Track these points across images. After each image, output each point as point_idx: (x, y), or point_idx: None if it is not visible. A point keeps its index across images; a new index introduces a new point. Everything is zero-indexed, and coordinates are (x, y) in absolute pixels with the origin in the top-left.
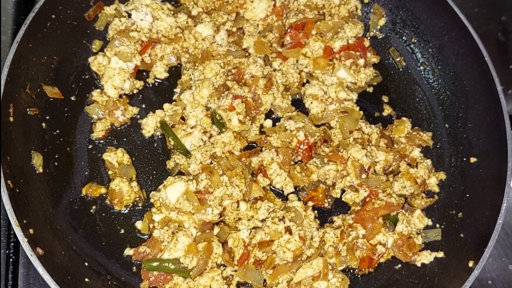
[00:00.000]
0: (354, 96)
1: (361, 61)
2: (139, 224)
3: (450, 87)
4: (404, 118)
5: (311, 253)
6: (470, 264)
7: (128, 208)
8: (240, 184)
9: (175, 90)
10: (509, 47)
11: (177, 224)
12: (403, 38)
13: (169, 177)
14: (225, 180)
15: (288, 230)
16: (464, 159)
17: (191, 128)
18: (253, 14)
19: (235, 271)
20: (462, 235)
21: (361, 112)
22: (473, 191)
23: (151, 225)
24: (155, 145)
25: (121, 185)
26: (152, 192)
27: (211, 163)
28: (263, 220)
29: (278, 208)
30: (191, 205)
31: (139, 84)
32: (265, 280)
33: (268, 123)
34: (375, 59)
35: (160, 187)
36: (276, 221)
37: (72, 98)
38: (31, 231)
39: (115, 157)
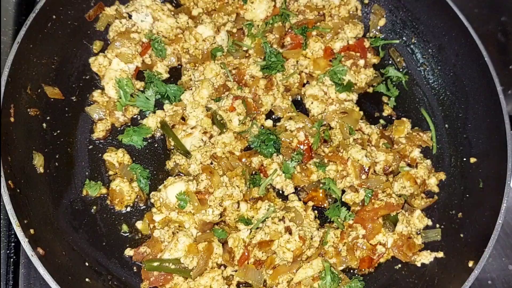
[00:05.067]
0: (354, 97)
1: (361, 62)
2: (139, 224)
3: (450, 87)
4: (404, 119)
5: (311, 253)
6: (470, 264)
7: (129, 208)
8: (241, 184)
9: None
10: (509, 48)
11: (178, 224)
12: (403, 38)
13: (169, 177)
14: (225, 181)
15: (288, 230)
16: (464, 159)
17: (192, 128)
18: (254, 15)
19: (235, 271)
20: (462, 235)
21: (361, 113)
22: (473, 191)
23: (151, 225)
24: (156, 145)
25: (122, 185)
26: (153, 192)
27: (211, 163)
28: (263, 221)
29: (278, 208)
30: (191, 205)
31: (139, 84)
32: (265, 280)
33: (269, 123)
34: (375, 60)
35: (160, 187)
36: (276, 221)
37: (73, 99)
38: (31, 231)
39: (116, 157)
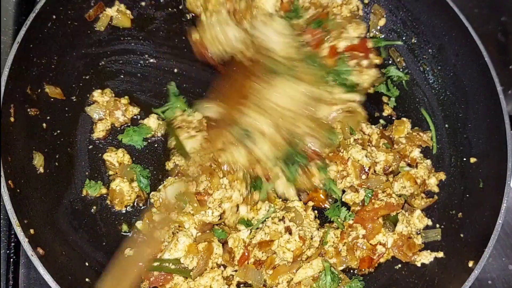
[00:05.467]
0: (358, 98)
1: (365, 62)
2: (139, 224)
3: (450, 87)
4: (404, 119)
5: (311, 253)
6: (470, 264)
7: (129, 208)
8: (241, 188)
9: None
10: (509, 48)
11: (178, 224)
12: (403, 38)
13: (169, 177)
14: (225, 183)
15: (288, 230)
16: (464, 159)
17: (196, 132)
18: (262, 7)
19: (236, 271)
20: (462, 235)
21: (365, 115)
22: (473, 191)
23: (151, 225)
24: (156, 145)
25: (122, 185)
26: (153, 192)
27: (211, 165)
28: (263, 221)
29: (278, 208)
30: (190, 206)
31: None
32: (265, 280)
33: None
34: (377, 60)
35: (160, 187)
36: (276, 221)
37: (73, 99)
38: (31, 231)
39: (116, 157)
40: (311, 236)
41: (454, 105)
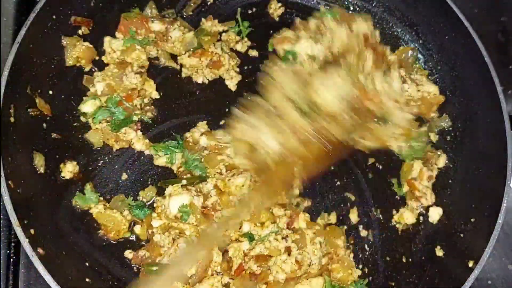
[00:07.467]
0: None
1: None
2: (137, 229)
3: (450, 87)
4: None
5: (312, 270)
6: (470, 264)
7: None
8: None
9: None
10: (509, 47)
11: (178, 230)
12: (403, 38)
13: (175, 185)
14: (234, 201)
15: (288, 250)
16: None
17: None
18: None
19: (232, 279)
20: (462, 235)
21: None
22: (473, 191)
23: (150, 231)
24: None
25: (114, 216)
26: (157, 198)
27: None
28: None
29: (282, 223)
30: (194, 217)
31: None
32: None
33: None
34: None
35: (166, 193)
36: (279, 238)
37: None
38: (32, 231)
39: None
40: (310, 263)
41: (454, 105)
